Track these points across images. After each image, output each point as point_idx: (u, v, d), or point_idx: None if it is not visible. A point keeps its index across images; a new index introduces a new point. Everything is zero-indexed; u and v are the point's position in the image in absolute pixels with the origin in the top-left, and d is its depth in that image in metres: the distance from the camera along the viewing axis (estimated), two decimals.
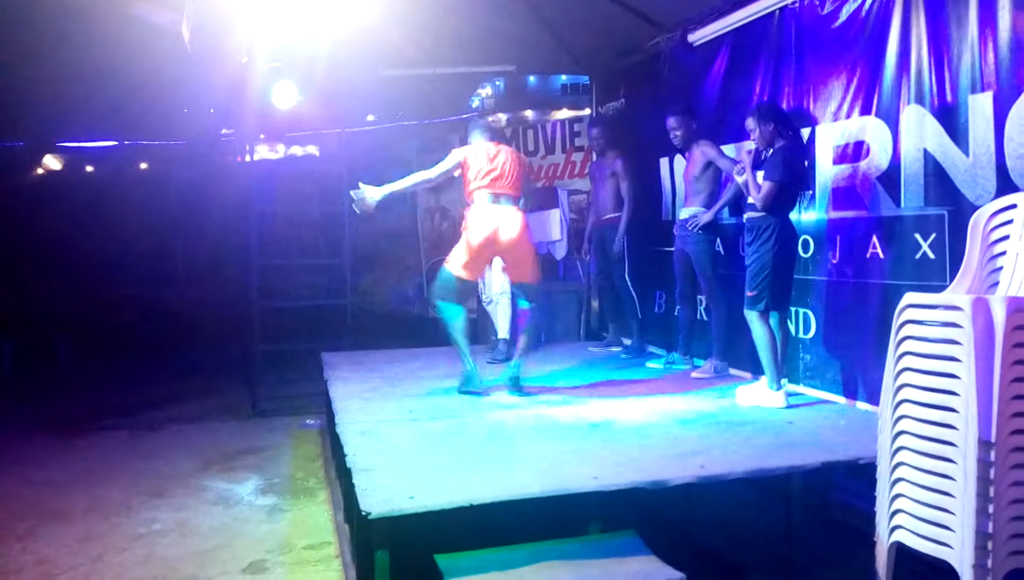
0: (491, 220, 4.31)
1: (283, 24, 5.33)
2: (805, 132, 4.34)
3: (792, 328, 4.39)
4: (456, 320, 4.38)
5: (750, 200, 4.14)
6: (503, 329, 5.80)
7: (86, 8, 5.15)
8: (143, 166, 11.05)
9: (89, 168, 10.71)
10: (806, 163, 4.22)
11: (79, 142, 10.18)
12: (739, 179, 4.26)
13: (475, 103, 8.49)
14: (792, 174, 4.03)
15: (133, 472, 4.85)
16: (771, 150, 4.09)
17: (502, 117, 8.82)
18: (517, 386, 4.40)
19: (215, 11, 4.85)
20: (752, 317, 4.11)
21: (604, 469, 2.96)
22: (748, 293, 4.11)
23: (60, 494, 4.45)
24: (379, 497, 2.63)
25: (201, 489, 4.55)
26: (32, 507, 4.24)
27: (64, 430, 5.88)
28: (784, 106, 4.48)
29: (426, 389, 4.60)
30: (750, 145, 4.29)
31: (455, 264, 4.37)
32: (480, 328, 6.56)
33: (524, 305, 4.55)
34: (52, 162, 10.03)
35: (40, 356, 8.67)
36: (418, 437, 3.54)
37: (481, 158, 4.43)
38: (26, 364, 8.41)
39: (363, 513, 2.52)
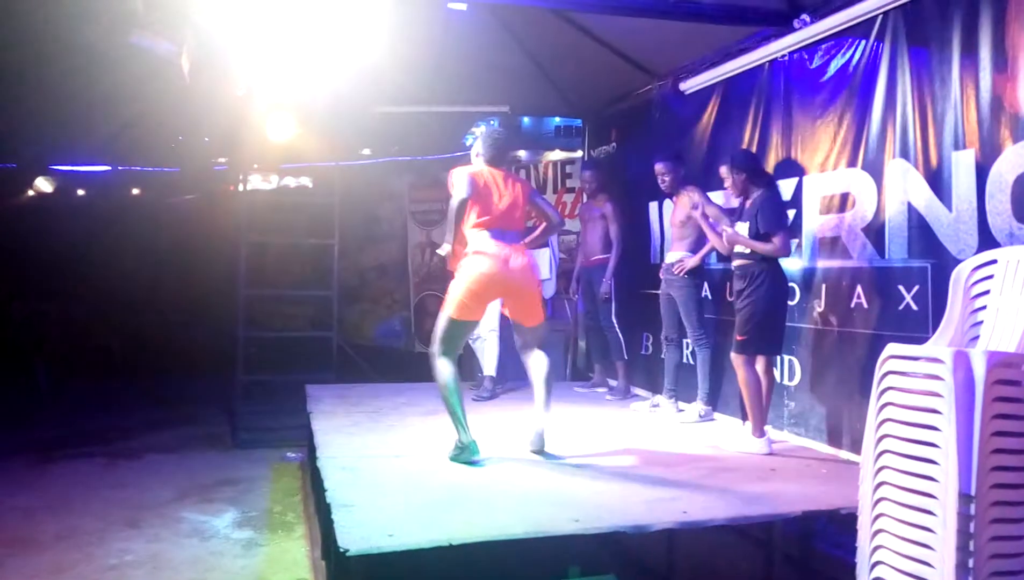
0: (495, 262, 3.82)
1: (283, 60, 5.39)
2: (792, 182, 4.41)
3: (777, 375, 4.41)
4: (455, 385, 3.77)
5: (736, 250, 4.20)
6: (490, 366, 5.81)
7: (86, 34, 5.20)
8: (135, 192, 11.04)
9: (80, 192, 10.69)
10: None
11: (72, 166, 10.17)
12: (722, 243, 4.32)
13: (469, 141, 8.59)
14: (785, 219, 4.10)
15: (107, 501, 4.76)
16: (750, 200, 4.16)
17: None
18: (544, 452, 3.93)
19: (216, 45, 4.90)
20: (739, 362, 4.13)
21: (586, 512, 2.94)
22: (737, 337, 4.14)
23: (32, 521, 4.37)
24: (358, 534, 2.60)
25: (176, 520, 4.47)
26: (2, 534, 4.15)
27: (39, 455, 5.79)
28: (772, 156, 4.57)
29: (410, 425, 4.57)
30: (734, 202, 4.37)
31: (458, 311, 3.83)
32: (466, 365, 6.54)
33: (541, 356, 3.98)
34: (44, 185, 10.00)
35: (19, 379, 8.56)
36: (400, 474, 3.51)
37: (490, 189, 3.91)
38: (4, 387, 8.30)
39: (341, 550, 2.49)
